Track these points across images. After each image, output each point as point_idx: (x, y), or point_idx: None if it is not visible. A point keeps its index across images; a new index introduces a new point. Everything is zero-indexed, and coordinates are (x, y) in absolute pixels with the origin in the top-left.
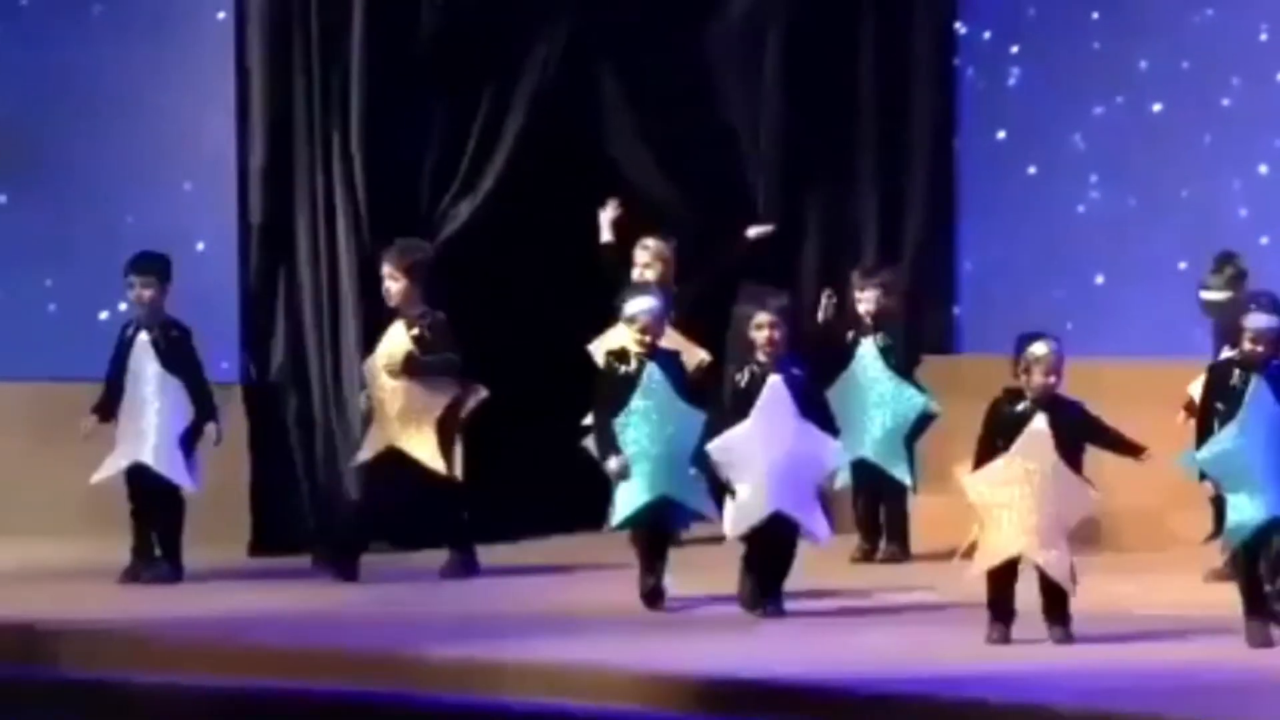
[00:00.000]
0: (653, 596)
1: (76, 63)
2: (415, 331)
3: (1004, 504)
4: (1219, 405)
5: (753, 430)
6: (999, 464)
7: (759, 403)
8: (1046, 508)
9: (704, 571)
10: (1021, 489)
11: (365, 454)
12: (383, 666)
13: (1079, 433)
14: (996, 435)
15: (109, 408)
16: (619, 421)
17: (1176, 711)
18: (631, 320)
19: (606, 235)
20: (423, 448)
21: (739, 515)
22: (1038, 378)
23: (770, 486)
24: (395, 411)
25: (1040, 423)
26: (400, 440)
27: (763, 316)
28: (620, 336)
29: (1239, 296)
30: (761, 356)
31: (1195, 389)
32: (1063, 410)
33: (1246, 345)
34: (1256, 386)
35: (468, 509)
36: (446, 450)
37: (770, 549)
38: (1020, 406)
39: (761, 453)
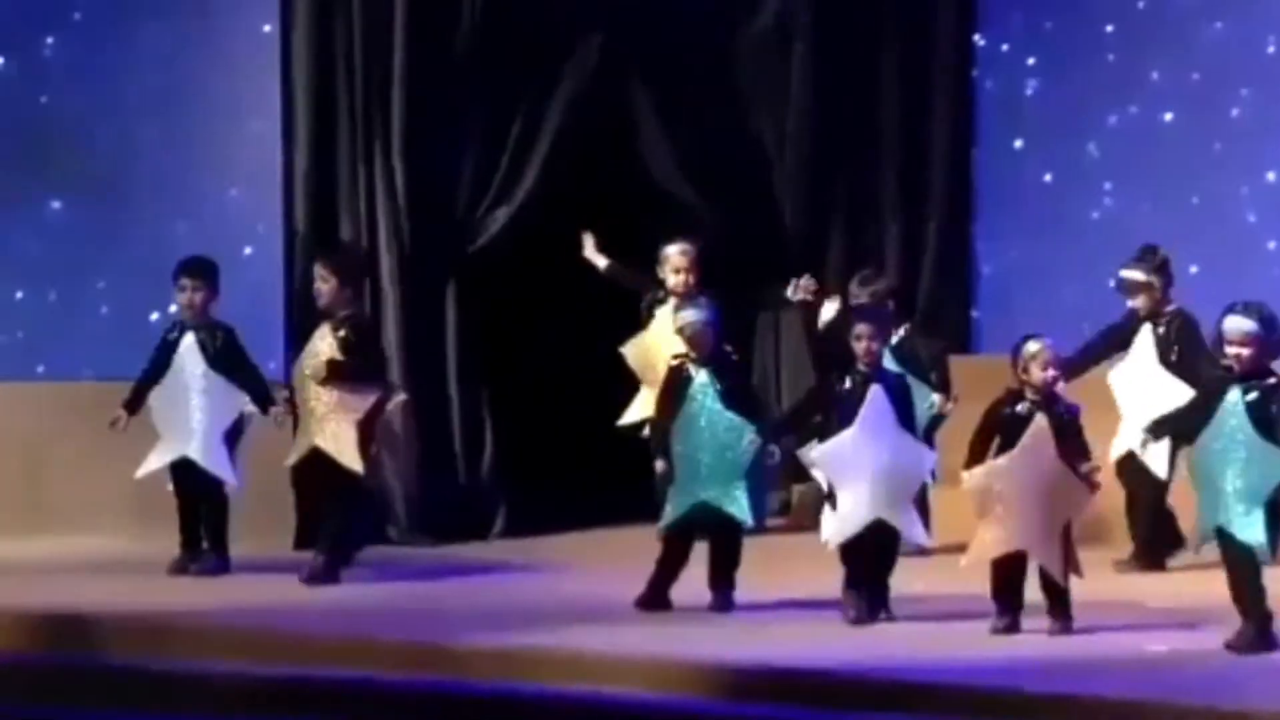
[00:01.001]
0: (649, 604)
1: (128, 75)
2: (341, 333)
3: (1004, 500)
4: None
5: (856, 438)
6: (1001, 461)
7: (862, 412)
8: (1045, 505)
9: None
10: (1022, 486)
11: (293, 458)
12: (418, 656)
13: (1075, 419)
14: (994, 433)
15: (137, 403)
16: (674, 426)
17: (1140, 695)
18: (680, 330)
19: (600, 263)
20: (341, 446)
21: (841, 523)
22: (1037, 373)
23: (873, 494)
24: (320, 413)
25: (1042, 422)
26: (321, 440)
27: (861, 327)
28: (655, 337)
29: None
30: (862, 366)
31: None
32: (1061, 410)
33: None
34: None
35: (361, 516)
36: (365, 452)
37: (871, 557)
38: (1021, 406)
39: (865, 461)
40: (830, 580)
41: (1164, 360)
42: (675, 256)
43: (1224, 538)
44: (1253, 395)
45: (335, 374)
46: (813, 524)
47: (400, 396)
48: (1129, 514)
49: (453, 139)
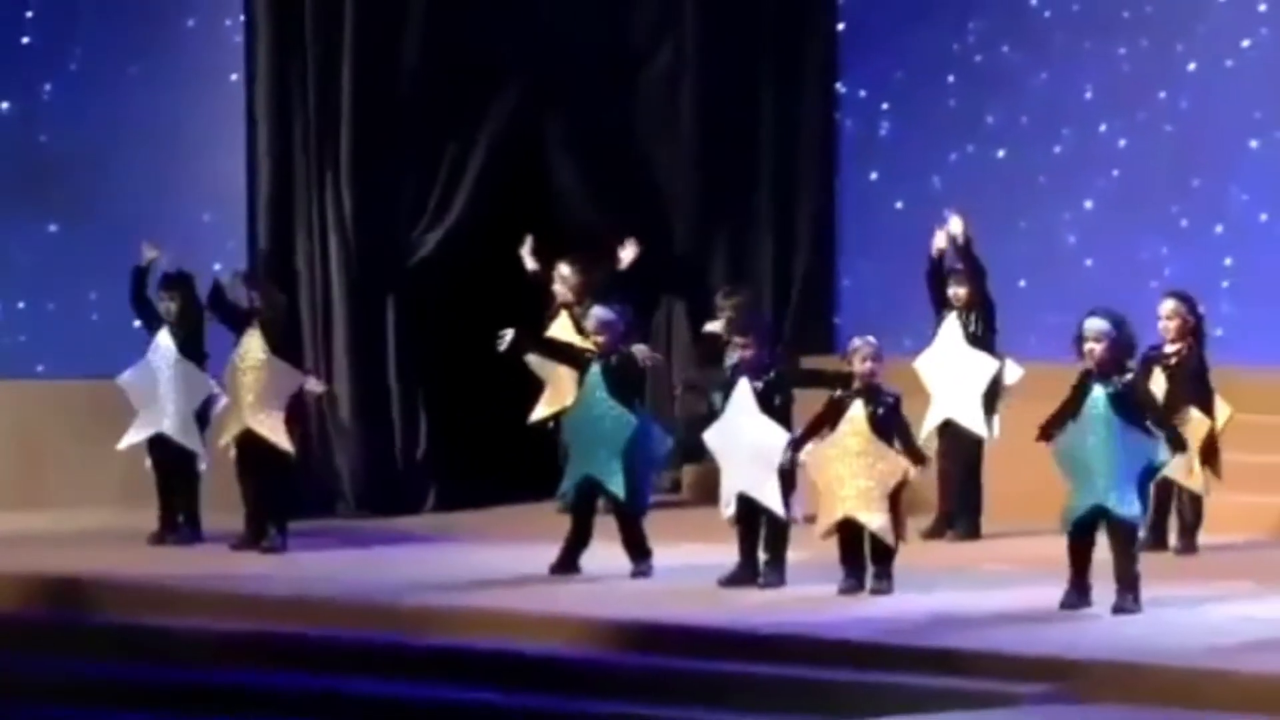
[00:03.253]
0: (561, 569)
1: (115, 116)
2: (270, 334)
3: (836, 475)
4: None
5: (724, 426)
6: (827, 442)
7: (732, 399)
8: (868, 476)
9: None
10: (847, 462)
11: (225, 438)
12: (363, 614)
13: (889, 417)
14: (826, 418)
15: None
16: (570, 409)
17: (935, 642)
18: (588, 326)
19: (531, 264)
20: (271, 428)
21: (724, 498)
22: (857, 365)
23: (740, 472)
24: (250, 398)
25: (858, 409)
26: (252, 422)
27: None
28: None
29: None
30: (857, 384)
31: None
32: (879, 398)
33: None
34: (1093, 390)
35: (296, 490)
36: (290, 431)
37: (749, 527)
38: (844, 394)
39: (732, 444)
40: (723, 549)
41: (970, 341)
42: (564, 271)
43: (1105, 516)
44: (1113, 389)
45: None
46: (709, 500)
47: (320, 387)
48: (941, 484)
49: (393, 170)
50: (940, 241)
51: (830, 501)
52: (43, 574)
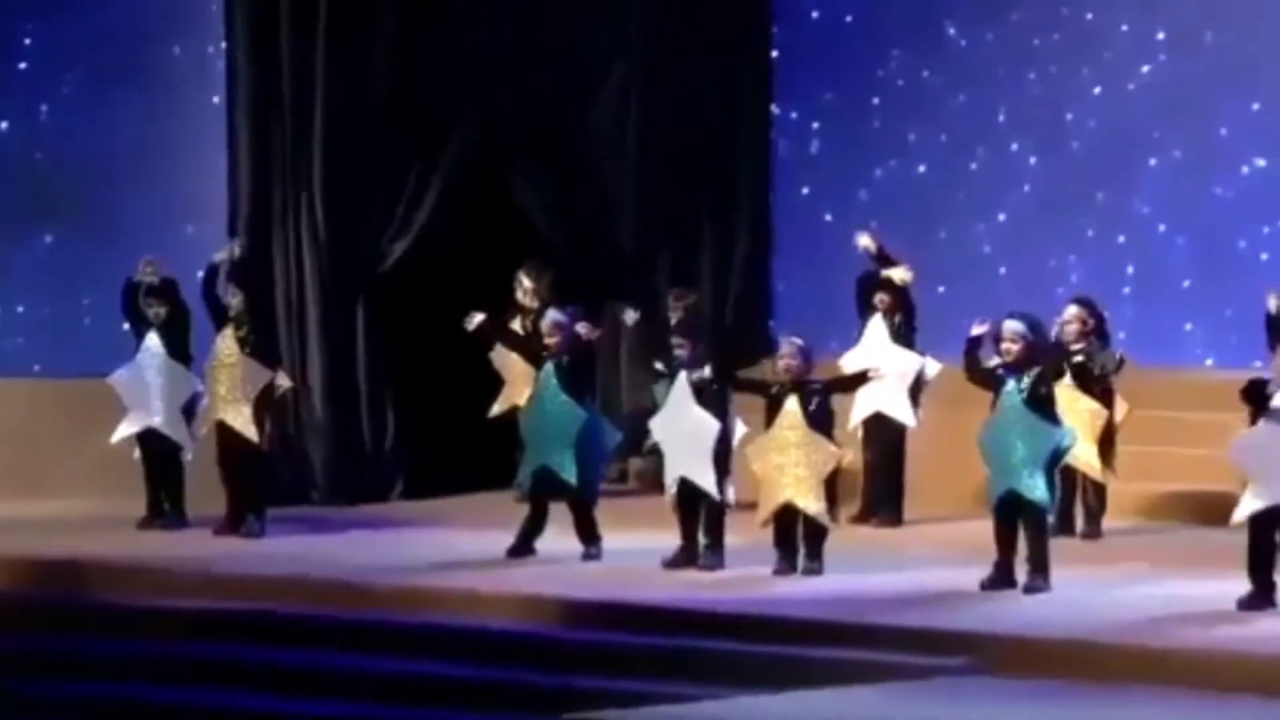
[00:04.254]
0: (517, 553)
1: (106, 136)
2: (241, 334)
3: (776, 465)
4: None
5: (663, 417)
6: (766, 435)
7: (669, 396)
8: (804, 465)
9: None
10: (785, 452)
11: (204, 429)
12: (336, 592)
13: (824, 397)
14: (768, 415)
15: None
16: (526, 404)
17: (862, 619)
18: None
19: (478, 319)
20: (242, 421)
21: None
22: (780, 365)
23: (677, 459)
24: (223, 391)
25: (791, 404)
26: (225, 414)
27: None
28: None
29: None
30: (784, 378)
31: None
32: (809, 390)
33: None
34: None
35: (269, 479)
36: (259, 424)
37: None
38: (777, 390)
39: (669, 433)
40: (666, 534)
41: (894, 340)
42: (523, 279)
43: (1017, 499)
44: (1025, 383)
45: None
46: (654, 490)
47: (287, 383)
48: (865, 474)
49: (362, 185)
50: (861, 240)
51: (770, 490)
52: (39, 557)
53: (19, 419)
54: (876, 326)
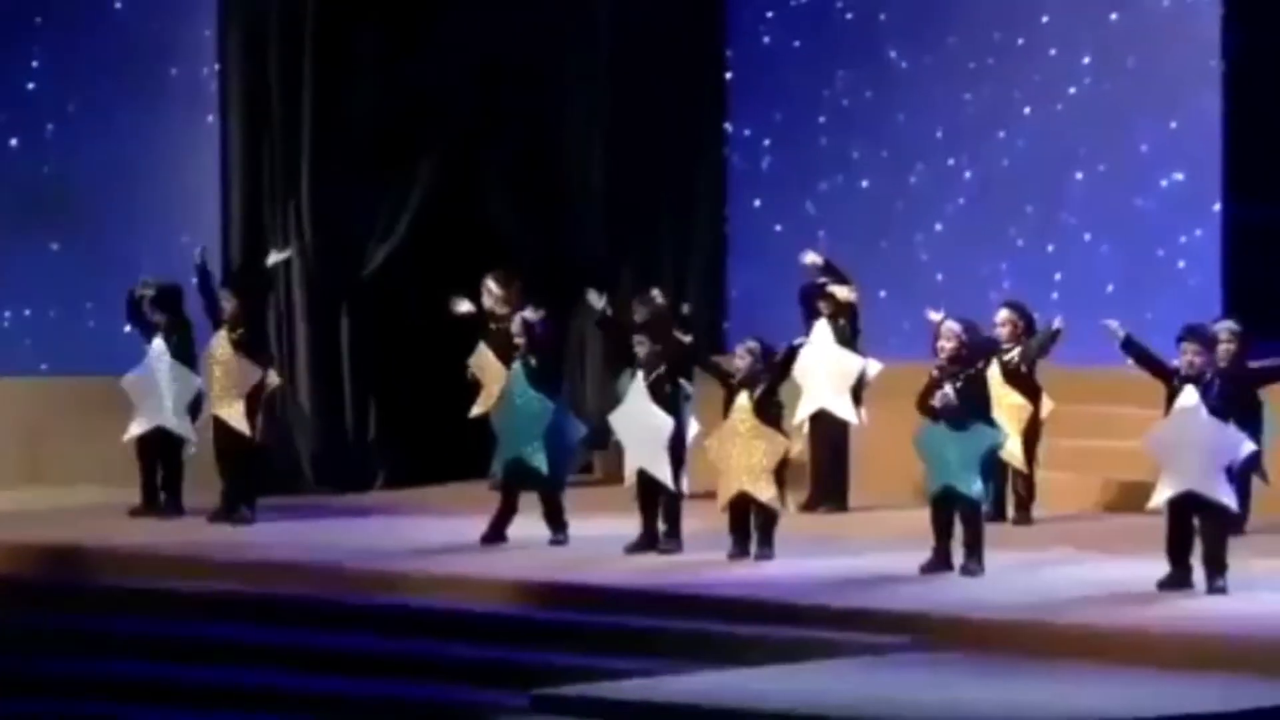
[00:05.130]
0: (490, 540)
1: (108, 151)
2: (234, 336)
3: (731, 455)
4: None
5: (620, 414)
6: (722, 428)
7: (628, 392)
8: (755, 455)
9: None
10: (738, 443)
11: (198, 422)
12: (323, 576)
13: (773, 392)
14: (724, 407)
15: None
16: (498, 400)
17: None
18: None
19: (465, 307)
20: (235, 416)
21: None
22: (738, 362)
23: (637, 451)
24: (217, 389)
25: (744, 399)
26: (219, 410)
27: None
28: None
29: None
30: (740, 378)
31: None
32: (756, 386)
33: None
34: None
35: (259, 470)
36: (251, 419)
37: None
38: (733, 382)
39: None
40: (628, 522)
41: (839, 341)
42: (490, 285)
43: (953, 494)
44: (960, 384)
45: (241, 359)
46: (616, 480)
47: (276, 381)
48: (812, 465)
49: (346, 197)
50: (808, 258)
51: (726, 479)
52: (45, 543)
53: (26, 415)
54: (822, 329)
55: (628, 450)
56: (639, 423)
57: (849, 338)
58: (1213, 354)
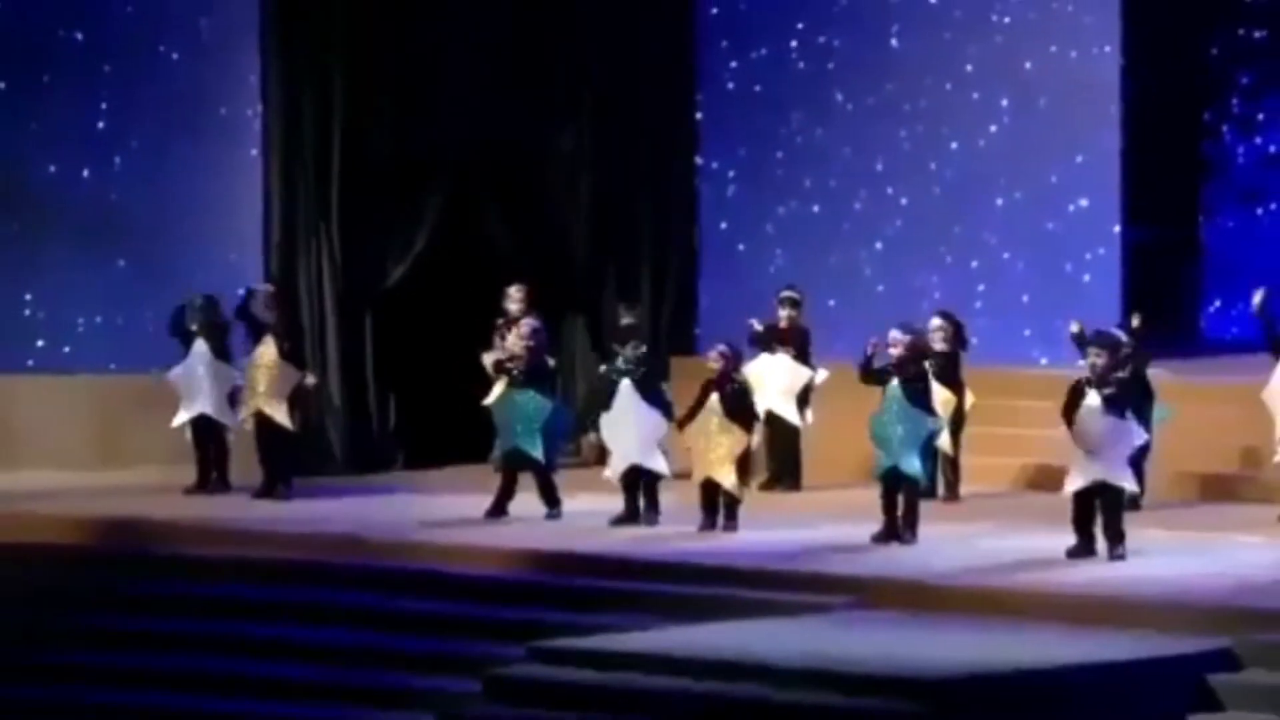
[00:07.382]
0: (493, 515)
1: (168, 183)
2: (282, 345)
3: (700, 445)
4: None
5: (613, 412)
6: (694, 421)
7: (619, 391)
8: (722, 446)
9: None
10: (708, 435)
11: (242, 414)
12: (351, 546)
13: (736, 400)
14: (697, 403)
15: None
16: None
17: (775, 567)
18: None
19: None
20: (279, 412)
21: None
22: (710, 364)
23: (628, 443)
24: (262, 388)
25: (714, 397)
26: (264, 406)
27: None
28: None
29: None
30: (714, 375)
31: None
32: (726, 386)
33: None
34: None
35: (296, 454)
36: (291, 414)
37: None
38: (705, 384)
39: (617, 421)
40: (612, 499)
41: (793, 357)
42: (513, 293)
43: (898, 473)
44: (904, 381)
45: (285, 366)
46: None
47: (312, 380)
48: (769, 452)
49: (371, 221)
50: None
51: (699, 465)
52: (114, 516)
53: (99, 407)
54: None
55: (615, 451)
56: (630, 423)
57: (803, 359)
58: (1115, 357)
